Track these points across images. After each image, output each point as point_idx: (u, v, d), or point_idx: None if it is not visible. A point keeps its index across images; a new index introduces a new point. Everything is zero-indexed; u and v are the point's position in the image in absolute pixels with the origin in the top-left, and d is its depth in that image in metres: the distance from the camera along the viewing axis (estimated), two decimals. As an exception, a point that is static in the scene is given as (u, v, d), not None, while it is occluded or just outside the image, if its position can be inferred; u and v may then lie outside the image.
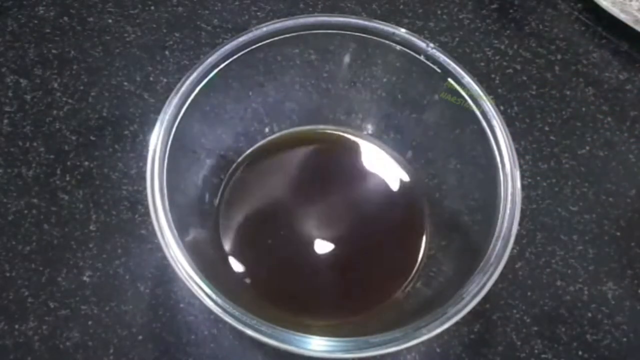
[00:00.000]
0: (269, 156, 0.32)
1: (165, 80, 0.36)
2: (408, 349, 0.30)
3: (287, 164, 0.32)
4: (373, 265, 0.30)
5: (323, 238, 0.30)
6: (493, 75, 0.37)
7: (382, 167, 0.32)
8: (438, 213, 0.31)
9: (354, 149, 0.33)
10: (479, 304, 0.24)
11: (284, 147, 0.32)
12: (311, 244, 0.30)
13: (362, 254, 0.30)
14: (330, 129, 0.33)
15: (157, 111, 0.26)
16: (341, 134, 0.33)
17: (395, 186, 0.32)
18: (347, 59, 0.31)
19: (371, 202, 0.32)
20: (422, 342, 0.23)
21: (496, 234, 0.25)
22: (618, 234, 0.34)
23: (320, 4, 0.39)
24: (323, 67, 0.32)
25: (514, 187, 0.26)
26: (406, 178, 0.32)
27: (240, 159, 0.32)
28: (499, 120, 0.27)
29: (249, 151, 0.32)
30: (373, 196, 0.32)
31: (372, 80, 0.32)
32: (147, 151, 0.25)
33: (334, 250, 0.30)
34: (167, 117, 0.26)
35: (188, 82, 0.27)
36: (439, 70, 0.28)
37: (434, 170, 0.31)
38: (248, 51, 0.28)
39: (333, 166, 0.32)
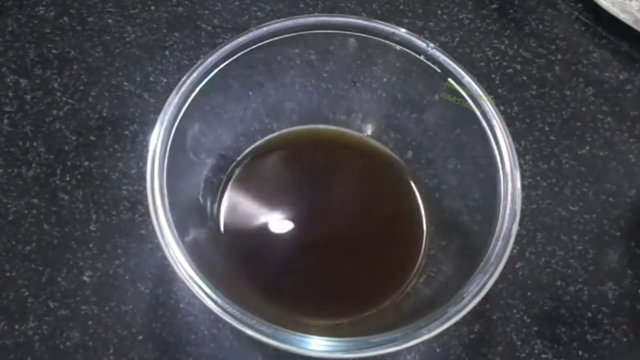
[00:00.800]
0: (268, 156, 0.32)
1: (165, 80, 0.36)
2: (408, 349, 0.30)
3: (287, 164, 0.32)
4: (373, 266, 0.30)
5: (323, 238, 0.30)
6: (493, 75, 0.37)
7: (382, 166, 0.32)
8: (438, 213, 0.31)
9: (354, 149, 0.33)
10: (479, 304, 0.24)
11: (284, 147, 0.32)
12: (311, 243, 0.30)
13: (362, 254, 0.30)
14: (330, 128, 0.33)
15: (157, 111, 0.26)
16: (341, 132, 0.33)
17: (395, 186, 0.32)
18: (347, 59, 0.31)
19: (371, 202, 0.32)
20: (422, 342, 0.23)
21: (496, 234, 0.25)
22: (618, 234, 0.34)
23: (320, 4, 0.39)
24: (323, 67, 0.32)
25: (514, 187, 0.26)
26: (406, 178, 0.32)
27: (240, 158, 0.32)
28: (499, 120, 0.27)
29: (248, 151, 0.32)
30: (373, 196, 0.32)
31: (372, 80, 0.32)
32: (147, 151, 0.25)
33: (334, 250, 0.30)
34: (167, 117, 0.26)
35: (188, 82, 0.27)
36: (439, 70, 0.28)
37: (434, 170, 0.31)
38: (248, 51, 0.28)
39: (333, 166, 0.32)
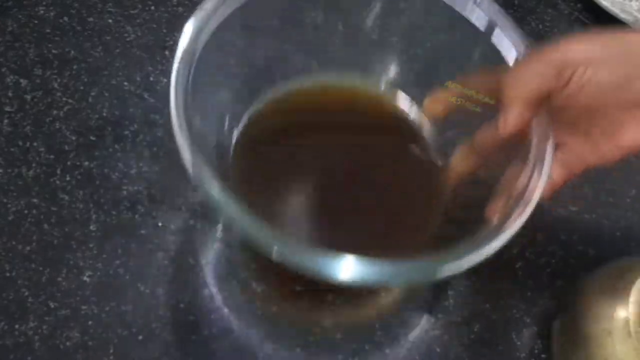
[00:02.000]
0: (293, 102, 0.31)
1: (165, 80, 0.36)
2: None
3: (310, 113, 0.31)
4: (395, 210, 0.30)
5: (342, 182, 0.30)
6: (493, 75, 0.37)
7: (399, 118, 0.32)
8: None
9: (374, 106, 0.32)
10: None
11: (308, 96, 0.32)
12: (330, 188, 0.30)
13: (381, 195, 0.30)
14: (358, 85, 0.32)
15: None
16: (364, 90, 0.32)
17: (411, 131, 0.31)
18: (375, 6, 0.30)
19: (388, 148, 0.31)
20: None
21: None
22: (618, 234, 0.34)
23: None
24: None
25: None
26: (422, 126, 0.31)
27: (268, 95, 0.31)
28: None
29: (274, 90, 0.31)
30: (389, 142, 0.31)
31: (401, 32, 0.31)
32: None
33: (353, 194, 0.30)
34: (202, 14, 0.24)
35: None
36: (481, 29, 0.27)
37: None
38: None
39: (355, 119, 0.32)
